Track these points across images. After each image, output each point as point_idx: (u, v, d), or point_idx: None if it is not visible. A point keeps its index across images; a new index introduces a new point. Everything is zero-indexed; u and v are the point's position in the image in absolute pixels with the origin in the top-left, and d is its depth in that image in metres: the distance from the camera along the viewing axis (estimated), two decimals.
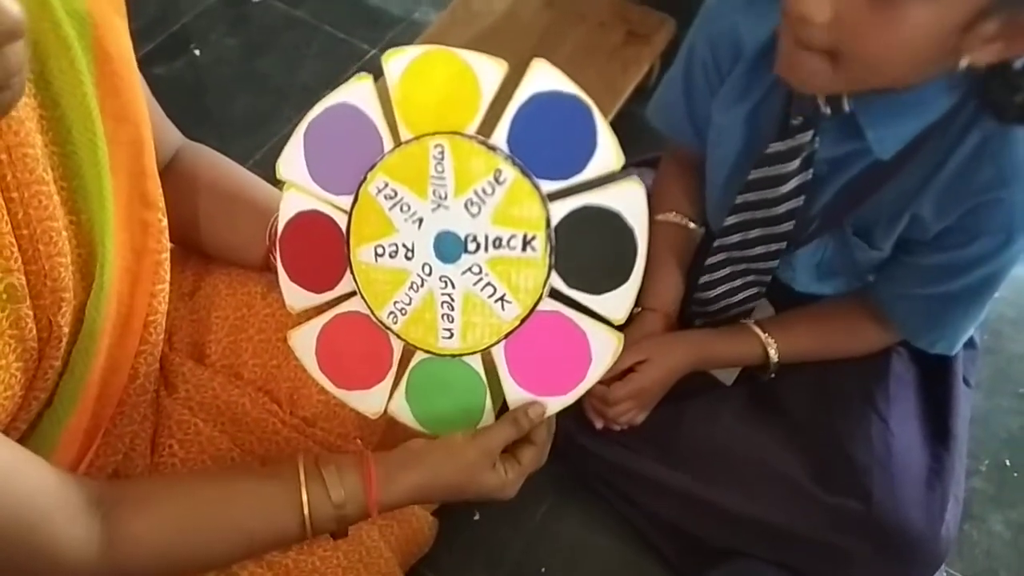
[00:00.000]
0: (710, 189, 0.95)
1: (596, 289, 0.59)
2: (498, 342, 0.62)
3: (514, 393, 0.64)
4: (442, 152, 0.58)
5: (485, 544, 1.08)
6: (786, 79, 0.71)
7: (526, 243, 0.58)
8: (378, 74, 0.61)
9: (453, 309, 0.62)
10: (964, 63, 0.63)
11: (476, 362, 0.64)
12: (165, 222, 0.67)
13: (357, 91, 0.61)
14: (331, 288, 0.67)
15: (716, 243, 0.90)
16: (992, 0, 0.59)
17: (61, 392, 0.61)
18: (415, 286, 0.63)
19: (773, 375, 0.95)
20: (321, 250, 0.65)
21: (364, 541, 0.79)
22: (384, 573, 0.82)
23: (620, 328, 0.60)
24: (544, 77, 0.55)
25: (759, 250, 0.89)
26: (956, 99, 0.71)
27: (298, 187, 0.65)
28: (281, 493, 0.61)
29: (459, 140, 0.58)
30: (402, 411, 0.69)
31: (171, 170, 0.77)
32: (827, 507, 0.90)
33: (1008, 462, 1.19)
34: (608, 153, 0.55)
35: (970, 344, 0.99)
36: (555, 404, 0.65)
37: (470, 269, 0.61)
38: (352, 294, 0.66)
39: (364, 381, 0.69)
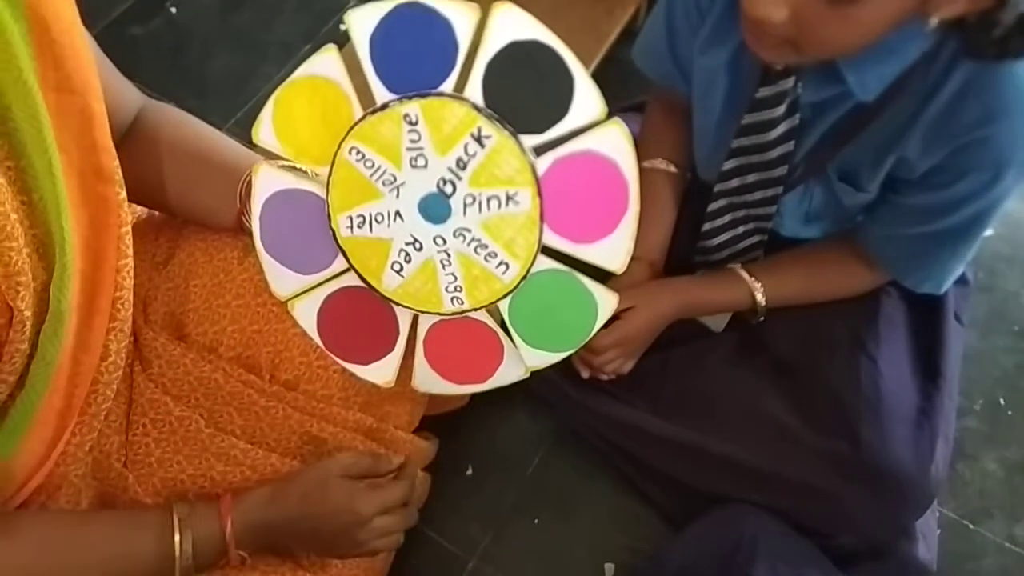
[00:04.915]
0: (698, 134, 0.93)
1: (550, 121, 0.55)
2: (542, 226, 0.59)
3: (590, 254, 0.60)
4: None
5: (478, 497, 1.08)
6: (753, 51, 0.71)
7: (480, 139, 0.56)
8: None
9: (487, 246, 0.61)
10: (934, 21, 0.63)
11: (548, 262, 0.62)
12: (124, 195, 0.64)
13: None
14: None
15: (716, 188, 0.89)
16: None
17: (32, 376, 0.59)
18: (443, 264, 0.63)
19: (762, 319, 0.95)
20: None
21: None
22: None
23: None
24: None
25: (757, 195, 0.88)
26: (935, 39, 0.70)
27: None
28: (148, 538, 0.66)
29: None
30: (535, 358, 0.68)
31: (133, 133, 0.75)
32: (815, 450, 0.89)
33: (1002, 401, 1.18)
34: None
35: (962, 280, 0.98)
36: (630, 222, 0.58)
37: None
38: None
39: (479, 373, 0.70)
